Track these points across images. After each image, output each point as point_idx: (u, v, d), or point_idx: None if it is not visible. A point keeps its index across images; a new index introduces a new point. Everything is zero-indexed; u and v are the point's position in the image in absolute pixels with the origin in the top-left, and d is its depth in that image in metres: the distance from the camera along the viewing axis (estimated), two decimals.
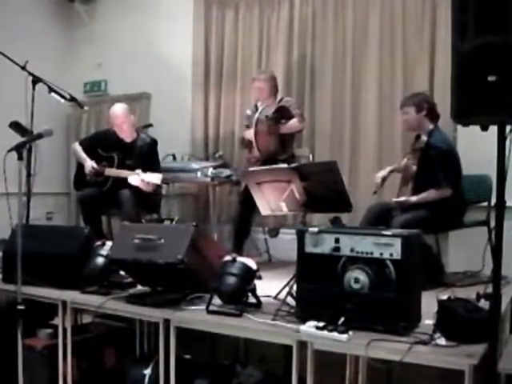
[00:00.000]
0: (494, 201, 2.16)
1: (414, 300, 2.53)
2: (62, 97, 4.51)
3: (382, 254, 2.43)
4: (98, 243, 3.39)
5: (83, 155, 4.76)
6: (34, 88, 4.30)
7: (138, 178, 4.22)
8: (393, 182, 4.18)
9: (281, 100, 4.63)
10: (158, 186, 4.48)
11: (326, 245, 2.57)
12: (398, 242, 2.40)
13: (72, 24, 6.55)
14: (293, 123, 4.48)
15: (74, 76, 6.28)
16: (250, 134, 4.46)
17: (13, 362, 3.40)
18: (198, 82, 5.68)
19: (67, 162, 6.35)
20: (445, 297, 2.48)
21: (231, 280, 2.81)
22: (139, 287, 3.34)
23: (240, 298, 2.81)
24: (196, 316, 2.83)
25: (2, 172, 3.41)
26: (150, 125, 5.55)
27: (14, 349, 3.38)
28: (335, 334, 2.36)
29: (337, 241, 2.55)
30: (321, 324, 2.42)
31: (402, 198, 3.63)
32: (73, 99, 4.67)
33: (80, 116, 6.39)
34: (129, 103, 5.15)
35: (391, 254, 2.41)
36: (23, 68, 4.28)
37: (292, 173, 2.99)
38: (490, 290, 2.14)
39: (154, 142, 4.75)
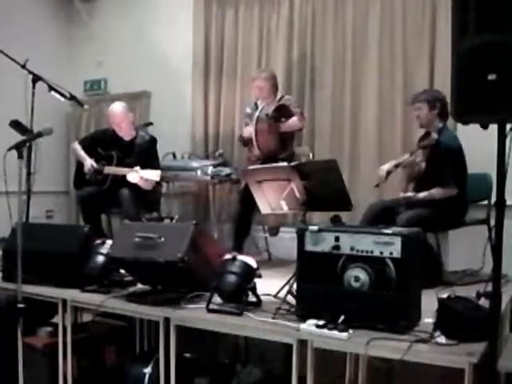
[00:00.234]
0: (494, 199, 2.15)
1: (414, 298, 2.53)
2: (62, 95, 4.51)
3: (382, 253, 2.43)
4: (98, 242, 3.38)
5: (83, 154, 4.76)
6: (34, 86, 4.30)
7: (137, 176, 4.22)
8: (393, 181, 4.19)
9: (281, 98, 4.63)
10: (158, 184, 4.48)
11: (326, 243, 2.57)
12: (398, 241, 2.40)
13: (72, 22, 6.55)
14: (293, 121, 4.49)
15: (74, 75, 6.28)
16: (248, 132, 4.46)
17: (13, 361, 3.41)
18: (197, 81, 5.68)
19: (67, 160, 6.35)
20: (445, 295, 2.48)
21: (231, 278, 2.81)
22: (139, 286, 3.34)
23: (240, 296, 2.81)
24: (196, 314, 2.83)
25: (2, 170, 3.41)
26: (151, 123, 5.55)
27: (14, 347, 3.38)
28: (335, 333, 2.36)
29: (337, 239, 2.55)
30: (321, 322, 2.42)
31: (410, 194, 3.63)
32: (73, 98, 4.67)
33: (80, 115, 6.39)
34: (129, 102, 5.16)
35: (391, 253, 2.41)
36: (23, 66, 4.28)
37: (292, 171, 2.99)
38: (490, 288, 2.15)
39: (153, 140, 4.76)
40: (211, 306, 2.83)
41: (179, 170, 5.02)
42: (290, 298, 2.82)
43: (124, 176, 4.31)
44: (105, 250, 3.28)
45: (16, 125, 4.17)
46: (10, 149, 3.21)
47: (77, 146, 4.85)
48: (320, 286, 2.55)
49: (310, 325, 2.45)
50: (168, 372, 2.87)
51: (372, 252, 2.46)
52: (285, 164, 3.13)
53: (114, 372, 3.49)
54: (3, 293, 3.57)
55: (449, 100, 2.13)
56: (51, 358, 3.35)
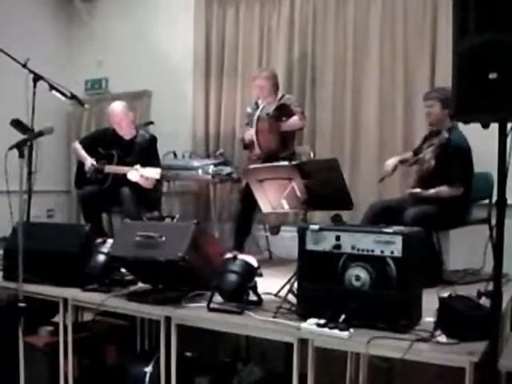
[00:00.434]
0: (495, 198, 2.15)
1: (414, 297, 2.53)
2: (63, 95, 4.51)
3: (383, 252, 2.43)
4: (99, 241, 3.39)
5: (83, 154, 4.77)
6: (34, 86, 4.30)
7: (138, 174, 4.22)
8: (393, 180, 4.19)
9: (282, 98, 4.63)
10: (158, 182, 4.48)
11: (327, 242, 2.57)
12: (399, 240, 2.40)
13: (72, 22, 6.55)
14: (294, 121, 4.49)
15: (75, 74, 6.27)
16: (250, 135, 4.46)
17: (14, 360, 3.41)
18: (198, 80, 5.67)
19: (68, 159, 6.35)
20: (446, 294, 2.48)
21: (232, 277, 2.81)
22: (140, 285, 3.34)
23: (241, 295, 2.81)
24: (197, 313, 2.83)
25: (3, 170, 3.42)
26: (151, 122, 5.55)
27: (15, 346, 3.39)
28: (336, 332, 2.36)
29: (338, 238, 2.55)
30: (322, 321, 2.42)
31: (417, 190, 3.64)
32: (73, 97, 4.67)
33: (81, 114, 6.39)
34: (130, 101, 5.16)
35: (392, 252, 2.41)
36: (24, 66, 4.28)
37: (293, 170, 2.99)
38: (490, 287, 2.15)
39: (153, 139, 4.77)
40: (212, 305, 2.83)
41: (180, 169, 5.03)
42: (291, 297, 2.82)
43: (125, 175, 4.32)
44: (106, 249, 3.28)
45: (17, 124, 4.17)
46: (10, 148, 3.21)
47: (77, 146, 4.86)
48: (321, 285, 2.55)
49: (310, 324, 2.45)
50: (169, 371, 2.88)
51: (373, 251, 2.46)
52: (286, 163, 3.12)
53: (114, 371, 3.49)
54: (4, 292, 3.58)
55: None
56: (52, 357, 3.35)
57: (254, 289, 2.87)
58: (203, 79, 5.65)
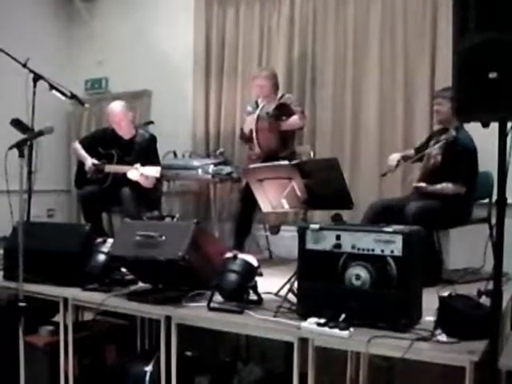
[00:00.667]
0: (495, 198, 2.15)
1: (415, 297, 2.53)
2: (63, 94, 4.51)
3: (383, 251, 2.43)
4: (99, 240, 3.39)
5: (83, 153, 4.77)
6: (34, 85, 4.30)
7: (138, 173, 4.23)
8: (394, 179, 4.19)
9: (281, 97, 4.63)
10: (158, 181, 4.48)
11: (327, 242, 2.57)
12: (399, 239, 2.40)
13: (73, 22, 6.55)
14: (293, 120, 4.49)
15: (75, 74, 6.27)
16: (248, 126, 4.43)
17: (14, 359, 3.41)
18: (198, 79, 5.67)
19: (68, 159, 6.35)
20: (446, 293, 2.48)
21: (232, 277, 2.81)
22: (140, 284, 3.34)
23: (241, 294, 2.81)
24: (197, 313, 2.83)
25: (3, 169, 3.41)
26: (151, 122, 5.55)
27: (16, 346, 3.39)
28: (336, 331, 2.36)
29: (338, 238, 2.55)
30: (322, 321, 2.43)
31: (423, 184, 3.66)
32: (73, 97, 4.67)
33: (81, 113, 6.39)
34: (130, 101, 5.16)
35: (392, 251, 2.41)
36: (24, 65, 4.28)
37: (293, 170, 2.99)
38: (490, 286, 2.14)
39: (152, 138, 4.77)
40: (212, 305, 2.83)
41: (180, 168, 5.02)
42: (291, 297, 2.82)
43: (125, 174, 4.32)
44: (106, 248, 3.28)
45: (17, 123, 4.16)
46: (11, 147, 3.21)
47: (77, 146, 4.86)
48: (321, 285, 2.55)
49: (311, 323, 2.45)
50: (169, 370, 2.88)
51: (373, 250, 2.46)
52: (286, 162, 3.12)
53: (115, 370, 3.49)
54: (4, 291, 3.58)
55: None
56: (52, 356, 3.35)
57: (254, 288, 2.87)
58: (203, 79, 5.65)
